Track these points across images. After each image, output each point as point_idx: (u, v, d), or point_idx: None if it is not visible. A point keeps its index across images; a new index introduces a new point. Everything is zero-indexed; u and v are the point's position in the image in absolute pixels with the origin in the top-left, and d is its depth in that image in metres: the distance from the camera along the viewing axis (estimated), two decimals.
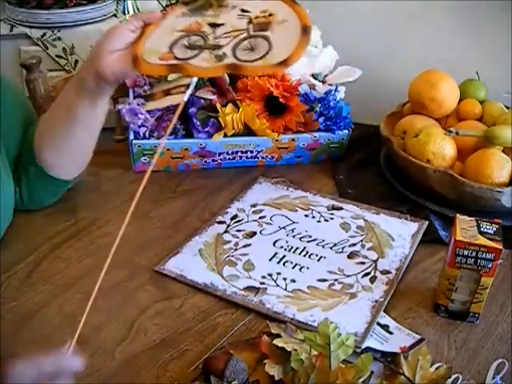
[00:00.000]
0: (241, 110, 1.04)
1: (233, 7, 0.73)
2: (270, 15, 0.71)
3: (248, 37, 0.69)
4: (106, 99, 0.85)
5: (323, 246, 0.90)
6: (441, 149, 0.99)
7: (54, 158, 0.89)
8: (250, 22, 0.71)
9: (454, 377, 0.68)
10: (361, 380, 0.64)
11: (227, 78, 1.06)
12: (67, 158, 0.91)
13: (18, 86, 0.96)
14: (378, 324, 0.75)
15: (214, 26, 0.71)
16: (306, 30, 0.67)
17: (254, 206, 0.99)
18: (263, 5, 0.73)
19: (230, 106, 1.05)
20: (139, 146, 1.04)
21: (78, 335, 0.58)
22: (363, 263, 0.86)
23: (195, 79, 0.67)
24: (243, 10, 0.73)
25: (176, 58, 0.68)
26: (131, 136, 1.05)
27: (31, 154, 0.89)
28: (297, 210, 0.98)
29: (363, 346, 0.71)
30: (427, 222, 0.95)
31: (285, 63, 0.66)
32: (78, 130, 0.86)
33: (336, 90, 1.11)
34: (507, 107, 1.11)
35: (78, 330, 0.58)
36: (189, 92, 0.65)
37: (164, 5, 1.11)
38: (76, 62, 1.88)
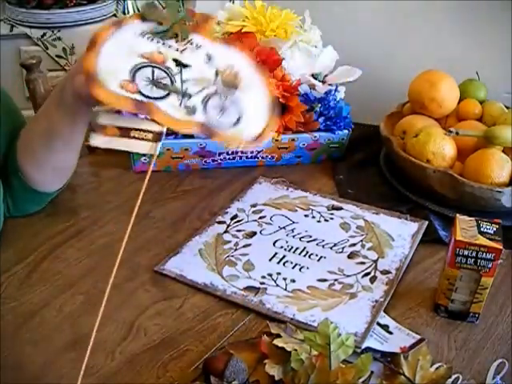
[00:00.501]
0: None
1: (197, 47, 0.67)
2: (237, 73, 0.65)
3: (218, 93, 0.63)
4: (85, 117, 0.78)
5: (323, 246, 0.90)
6: (441, 149, 0.99)
7: (35, 173, 0.87)
8: (217, 74, 0.65)
9: (454, 377, 0.68)
10: (361, 380, 0.64)
11: None
12: (48, 173, 0.88)
13: (8, 93, 0.92)
14: (378, 324, 0.75)
15: (179, 64, 0.64)
16: (273, 106, 0.64)
17: (254, 205, 0.99)
18: (227, 54, 0.68)
19: None
20: None
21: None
22: (363, 263, 0.86)
23: (165, 129, 0.60)
24: (208, 56, 0.66)
25: (141, 93, 0.61)
26: None
27: (14, 166, 0.86)
28: (297, 210, 0.98)
29: (363, 346, 0.71)
30: (427, 222, 0.95)
31: (256, 139, 0.62)
32: (59, 145, 0.82)
33: (336, 90, 1.11)
34: (507, 107, 1.11)
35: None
36: (160, 144, 0.59)
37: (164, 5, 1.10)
38: (76, 62, 1.88)
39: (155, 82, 0.62)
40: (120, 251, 0.58)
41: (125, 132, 0.60)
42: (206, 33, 0.69)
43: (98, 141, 0.59)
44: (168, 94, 0.62)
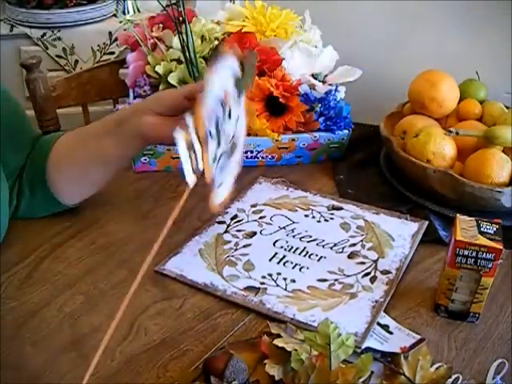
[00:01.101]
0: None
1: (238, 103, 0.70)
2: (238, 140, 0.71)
3: (224, 153, 0.67)
4: (138, 151, 0.86)
5: (323, 246, 0.90)
6: (441, 149, 0.99)
7: (65, 187, 0.89)
8: (233, 135, 0.70)
9: (454, 377, 0.68)
10: (361, 380, 0.64)
11: None
12: (79, 189, 0.91)
13: (21, 98, 0.94)
14: (378, 324, 0.75)
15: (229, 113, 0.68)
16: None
17: (254, 206, 0.99)
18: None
19: None
20: None
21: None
22: (363, 263, 0.86)
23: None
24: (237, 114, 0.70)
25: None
26: None
27: (41, 175, 0.88)
28: (297, 210, 0.98)
29: (363, 346, 0.71)
30: (427, 222, 0.95)
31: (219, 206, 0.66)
32: (102, 169, 0.87)
33: (336, 90, 1.11)
34: (507, 107, 1.11)
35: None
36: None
37: (164, 5, 1.10)
38: (76, 62, 1.88)
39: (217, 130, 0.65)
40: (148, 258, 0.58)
41: None
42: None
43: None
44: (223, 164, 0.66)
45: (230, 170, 0.69)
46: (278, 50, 1.11)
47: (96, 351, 0.53)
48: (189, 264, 0.85)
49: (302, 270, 0.85)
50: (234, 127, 0.69)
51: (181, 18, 1.06)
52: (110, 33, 1.86)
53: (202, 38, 1.13)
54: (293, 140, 1.10)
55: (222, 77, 0.66)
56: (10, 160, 0.87)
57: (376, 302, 0.79)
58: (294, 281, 0.82)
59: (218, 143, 0.65)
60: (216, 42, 1.09)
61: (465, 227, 0.75)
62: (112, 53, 1.89)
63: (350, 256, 0.88)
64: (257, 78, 1.07)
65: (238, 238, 0.91)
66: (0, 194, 0.82)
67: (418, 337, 0.73)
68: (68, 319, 0.76)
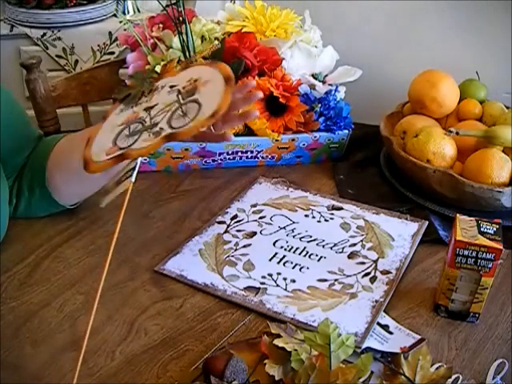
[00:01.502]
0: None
1: (162, 87, 0.75)
2: (195, 81, 0.73)
3: (179, 106, 0.71)
4: None
5: (323, 246, 0.90)
6: (441, 149, 0.99)
7: (63, 187, 0.90)
8: (179, 93, 0.73)
9: (454, 377, 0.68)
10: (361, 380, 0.64)
11: None
12: (77, 190, 0.91)
13: (21, 98, 0.95)
14: (378, 324, 0.75)
15: (148, 109, 0.73)
16: (228, 80, 0.70)
17: (254, 206, 0.99)
18: (187, 74, 0.75)
19: None
20: None
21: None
22: (363, 263, 0.86)
23: (140, 159, 0.69)
24: (171, 86, 0.74)
25: (120, 149, 0.69)
26: None
27: (40, 175, 0.89)
28: (297, 210, 0.98)
29: (363, 346, 0.71)
30: (427, 222, 0.95)
31: (214, 115, 0.67)
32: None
33: (336, 90, 1.11)
34: (507, 107, 1.11)
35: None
36: (135, 173, 0.67)
37: (164, 5, 1.10)
38: (76, 61, 1.88)
39: (131, 134, 0.70)
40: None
41: (118, 182, 0.70)
42: (169, 73, 0.78)
43: (105, 201, 0.69)
44: (140, 135, 0.69)
45: (202, 96, 0.72)
46: (278, 49, 1.11)
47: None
48: (189, 264, 0.85)
49: (302, 270, 0.85)
50: (173, 93, 0.74)
51: (181, 18, 1.06)
52: (110, 33, 1.86)
53: (202, 38, 1.13)
54: (293, 140, 1.10)
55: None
56: (11, 159, 0.88)
57: (376, 301, 0.79)
58: (294, 281, 0.82)
59: (152, 126, 0.70)
60: (216, 42, 1.09)
61: (465, 227, 0.75)
62: (112, 53, 1.89)
63: (350, 256, 0.88)
64: (257, 77, 1.07)
65: (238, 238, 0.91)
66: (0, 195, 0.82)
67: (418, 337, 0.73)
68: (68, 319, 0.76)
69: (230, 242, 0.90)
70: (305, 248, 0.89)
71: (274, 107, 1.08)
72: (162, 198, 1.02)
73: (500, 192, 0.93)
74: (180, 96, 0.72)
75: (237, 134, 1.07)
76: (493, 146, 0.99)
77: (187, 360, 0.70)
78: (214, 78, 0.72)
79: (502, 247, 0.72)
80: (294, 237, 0.92)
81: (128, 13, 1.71)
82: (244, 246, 0.89)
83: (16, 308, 0.77)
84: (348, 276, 0.84)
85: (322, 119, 1.10)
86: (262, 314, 0.77)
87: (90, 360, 0.70)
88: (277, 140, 1.09)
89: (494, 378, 0.69)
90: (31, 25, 1.81)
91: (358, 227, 0.94)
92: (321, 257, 0.87)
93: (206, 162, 1.10)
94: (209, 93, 0.71)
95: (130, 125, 0.72)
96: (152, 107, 0.73)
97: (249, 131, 1.08)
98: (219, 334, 0.74)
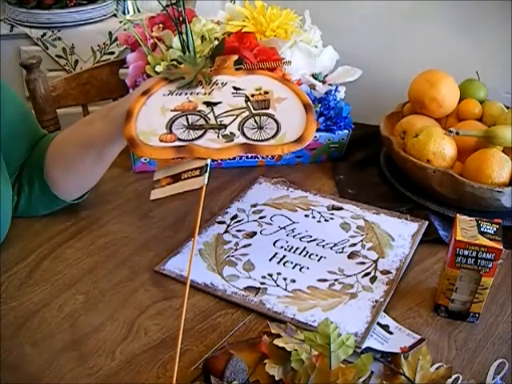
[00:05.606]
0: None
1: (223, 84, 0.73)
2: (266, 93, 0.71)
3: (251, 115, 0.69)
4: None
5: (323, 246, 0.90)
6: (441, 149, 0.99)
7: (60, 178, 0.90)
8: (248, 99, 0.71)
9: (454, 377, 0.68)
10: (361, 380, 0.64)
11: None
12: (73, 181, 0.91)
13: (22, 98, 0.95)
14: (378, 324, 0.75)
15: (210, 104, 0.70)
16: (308, 108, 0.69)
17: (254, 206, 0.99)
18: (253, 81, 0.73)
19: None
20: None
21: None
22: (363, 263, 0.86)
23: (209, 161, 0.66)
24: (235, 88, 0.72)
25: (179, 140, 0.66)
26: None
27: (39, 170, 0.89)
28: (297, 210, 0.98)
29: (363, 346, 0.71)
30: (427, 222, 0.95)
31: (300, 141, 0.66)
32: (91, 157, 0.87)
33: (336, 90, 1.11)
34: (507, 107, 1.11)
35: None
36: (207, 175, 0.64)
37: (164, 5, 1.10)
38: (76, 61, 1.88)
39: (191, 126, 0.68)
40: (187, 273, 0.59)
41: (176, 178, 0.67)
42: (228, 71, 0.76)
43: (158, 194, 0.67)
44: (205, 132, 0.67)
45: (279, 115, 0.71)
46: (278, 49, 1.11)
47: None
48: None
49: (302, 270, 0.85)
50: (239, 96, 0.72)
51: (181, 18, 1.06)
52: (110, 33, 1.86)
53: (202, 38, 1.13)
54: None
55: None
56: (15, 159, 0.89)
57: (376, 301, 0.79)
58: (294, 281, 0.82)
59: (219, 127, 0.68)
60: (216, 42, 1.09)
61: (465, 227, 0.75)
62: (112, 53, 1.89)
63: (350, 256, 0.88)
64: None
65: (237, 238, 0.91)
66: (4, 196, 0.82)
67: (418, 337, 0.73)
68: (68, 319, 0.76)
69: (229, 242, 0.90)
70: (305, 248, 0.89)
71: None
72: (162, 198, 1.02)
73: (500, 192, 0.93)
74: (250, 104, 0.70)
75: None
76: (493, 146, 0.99)
77: (187, 360, 0.70)
78: (289, 98, 0.71)
79: (501, 247, 0.72)
80: (294, 237, 0.92)
81: (128, 13, 1.72)
82: (244, 246, 0.89)
83: (16, 308, 0.77)
84: (348, 276, 0.84)
85: (322, 119, 1.10)
86: (262, 313, 0.77)
87: (90, 360, 0.70)
88: None
89: (493, 378, 0.69)
90: (31, 25, 1.81)
91: (358, 227, 0.94)
92: (321, 257, 0.87)
93: None
94: (286, 113, 0.70)
95: (188, 115, 0.69)
96: (215, 104, 0.71)
97: None
98: (219, 333, 0.74)
